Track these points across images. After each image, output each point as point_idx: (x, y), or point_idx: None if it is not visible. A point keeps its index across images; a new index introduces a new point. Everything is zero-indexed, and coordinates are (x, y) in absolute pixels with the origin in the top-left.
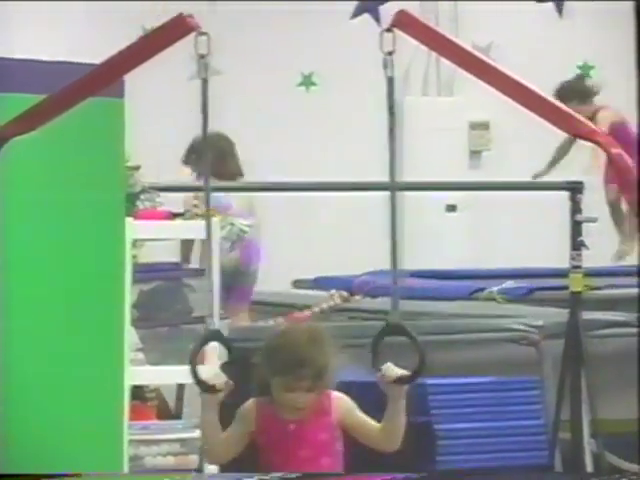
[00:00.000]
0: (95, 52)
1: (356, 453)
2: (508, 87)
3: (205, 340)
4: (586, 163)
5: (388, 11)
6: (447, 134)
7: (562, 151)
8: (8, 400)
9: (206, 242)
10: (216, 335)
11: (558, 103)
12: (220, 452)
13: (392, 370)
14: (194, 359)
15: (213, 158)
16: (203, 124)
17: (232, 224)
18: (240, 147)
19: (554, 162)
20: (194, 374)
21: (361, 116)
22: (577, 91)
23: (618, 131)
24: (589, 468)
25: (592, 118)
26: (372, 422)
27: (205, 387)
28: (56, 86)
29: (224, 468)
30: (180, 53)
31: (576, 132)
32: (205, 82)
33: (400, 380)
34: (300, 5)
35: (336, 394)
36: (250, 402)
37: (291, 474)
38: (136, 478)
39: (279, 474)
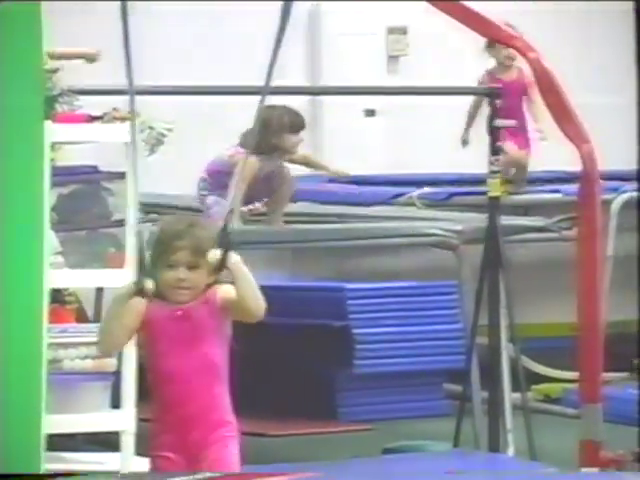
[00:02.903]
0: None
1: (275, 358)
2: None
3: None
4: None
5: None
6: (364, 39)
7: (475, 108)
8: None
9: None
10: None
11: (475, 9)
12: (114, 341)
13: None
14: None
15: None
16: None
17: (152, 127)
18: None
19: (470, 121)
20: (139, 275)
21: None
22: None
23: None
24: (505, 372)
25: None
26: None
27: (137, 289)
28: None
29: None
30: None
31: (494, 36)
32: None
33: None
34: None
35: (222, 286)
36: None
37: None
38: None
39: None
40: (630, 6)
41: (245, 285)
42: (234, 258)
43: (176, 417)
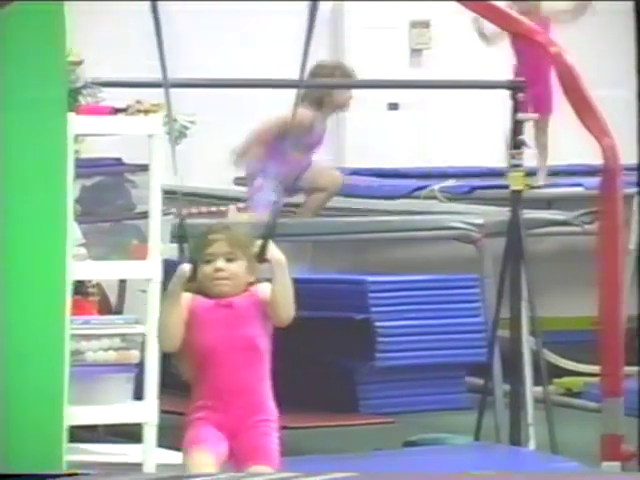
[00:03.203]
0: None
1: (297, 351)
2: None
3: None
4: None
5: None
6: (387, 33)
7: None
8: None
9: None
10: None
11: (497, 3)
12: (176, 334)
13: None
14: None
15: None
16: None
17: (175, 120)
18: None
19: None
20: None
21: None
22: None
23: None
24: (527, 366)
25: None
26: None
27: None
28: None
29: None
30: None
31: (516, 30)
32: None
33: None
34: None
35: (263, 284)
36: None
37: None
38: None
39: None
40: (630, 6)
41: (281, 288)
42: (278, 255)
43: (219, 395)
